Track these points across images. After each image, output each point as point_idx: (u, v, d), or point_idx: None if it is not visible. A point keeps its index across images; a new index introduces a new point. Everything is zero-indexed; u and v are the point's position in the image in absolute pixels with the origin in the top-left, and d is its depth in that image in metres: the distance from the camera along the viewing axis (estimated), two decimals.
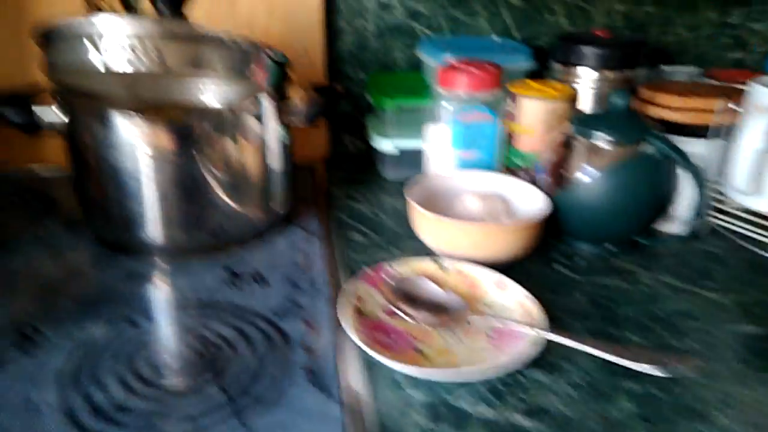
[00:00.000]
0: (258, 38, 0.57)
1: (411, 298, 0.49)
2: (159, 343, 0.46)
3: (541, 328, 0.44)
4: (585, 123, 0.58)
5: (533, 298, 0.48)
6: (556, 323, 0.47)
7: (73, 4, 0.71)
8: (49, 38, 0.53)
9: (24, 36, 0.72)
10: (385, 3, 0.79)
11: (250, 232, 0.60)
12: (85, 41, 0.52)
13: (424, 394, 0.41)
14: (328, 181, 0.76)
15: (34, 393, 0.40)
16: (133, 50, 0.51)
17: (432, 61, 0.73)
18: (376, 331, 0.46)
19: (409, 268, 0.52)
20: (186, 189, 0.56)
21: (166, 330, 0.48)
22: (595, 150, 0.56)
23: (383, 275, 0.51)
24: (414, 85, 0.76)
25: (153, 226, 0.56)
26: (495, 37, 0.82)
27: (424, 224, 0.56)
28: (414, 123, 0.71)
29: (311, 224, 0.65)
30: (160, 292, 0.53)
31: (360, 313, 0.47)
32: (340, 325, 0.45)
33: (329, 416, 0.39)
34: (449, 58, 0.68)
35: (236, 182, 0.58)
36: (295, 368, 0.43)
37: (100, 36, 0.51)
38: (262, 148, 0.59)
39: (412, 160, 0.73)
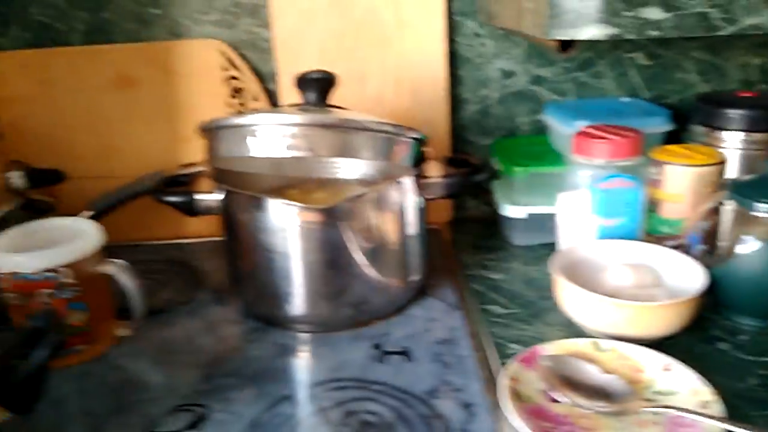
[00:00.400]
0: (388, 114, 0.59)
1: (571, 382, 0.47)
2: (319, 420, 0.47)
3: (724, 420, 0.41)
4: (741, 191, 0.55)
5: (707, 383, 0.45)
6: (733, 413, 0.43)
7: (214, 107, 0.77)
8: (212, 131, 0.58)
9: (176, 128, 0.78)
10: (509, 71, 0.80)
11: (391, 305, 0.61)
12: (244, 132, 0.56)
13: None
14: (454, 247, 0.76)
15: None
16: (286, 138, 0.55)
17: (560, 126, 0.72)
18: (539, 418, 0.44)
19: (563, 349, 0.50)
20: (331, 265, 0.58)
21: (323, 407, 0.49)
22: (755, 219, 0.53)
23: (538, 357, 0.49)
24: (540, 149, 0.76)
25: (300, 301, 0.58)
26: (624, 99, 0.80)
27: (571, 298, 0.54)
28: (544, 188, 0.71)
29: (447, 295, 0.65)
30: (311, 368, 0.54)
31: (518, 397, 0.46)
32: (499, 409, 0.44)
33: None
34: (582, 125, 0.67)
35: (378, 256, 0.59)
36: None
37: (257, 128, 0.55)
38: (401, 222, 0.60)
39: (542, 225, 0.71)
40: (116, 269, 0.56)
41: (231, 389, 0.51)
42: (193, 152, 0.79)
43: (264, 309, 0.61)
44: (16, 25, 0.78)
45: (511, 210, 0.73)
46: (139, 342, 0.58)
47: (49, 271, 0.52)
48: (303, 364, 0.55)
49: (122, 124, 0.79)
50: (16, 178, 0.67)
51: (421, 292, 0.65)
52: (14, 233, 0.56)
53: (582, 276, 0.57)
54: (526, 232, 0.74)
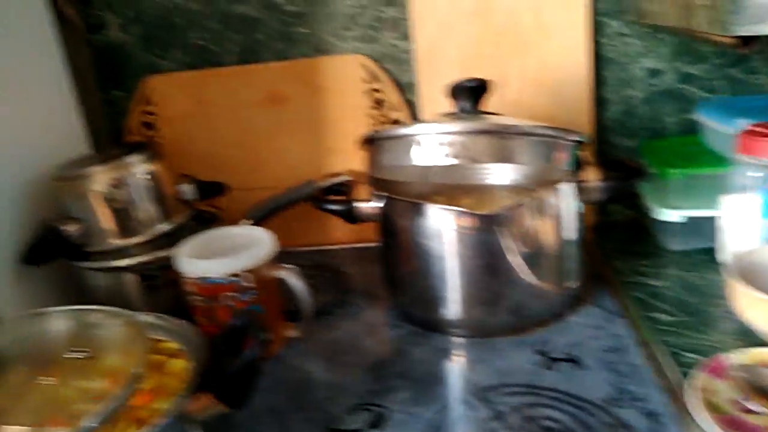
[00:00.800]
0: (528, 118, 0.59)
1: (765, 391, 0.45)
2: (499, 425, 0.47)
3: None
4: None
5: None
6: None
7: (356, 119, 0.81)
8: (374, 141, 0.60)
9: (320, 140, 0.82)
10: (655, 69, 0.77)
11: (549, 311, 0.61)
12: (403, 142, 0.57)
13: None
14: (603, 253, 0.74)
15: None
16: (448, 147, 0.56)
17: (718, 124, 0.69)
18: (735, 429, 0.42)
19: (752, 358, 0.48)
20: (489, 270, 0.58)
21: (500, 411, 0.49)
22: None
23: (725, 366, 0.47)
24: (693, 150, 0.73)
25: (458, 305, 0.59)
26: None
27: (751, 305, 0.52)
28: (700, 190, 0.68)
29: (605, 302, 0.63)
30: (478, 373, 0.55)
31: (712, 407, 0.44)
32: (686, 419, 0.43)
33: None
34: (744, 123, 0.63)
35: (536, 262, 0.59)
36: None
37: (416, 137, 0.57)
38: (560, 227, 0.59)
39: (699, 229, 0.68)
40: (289, 273, 0.59)
41: (402, 390, 0.53)
42: (337, 163, 0.83)
43: (421, 313, 0.62)
44: (176, 49, 0.85)
45: (666, 214, 0.70)
46: (308, 343, 0.61)
47: (233, 275, 0.57)
48: (469, 368, 0.56)
49: (271, 138, 0.84)
50: (187, 191, 0.73)
51: (577, 299, 0.64)
52: (196, 241, 0.61)
53: (759, 281, 0.54)
54: (682, 236, 0.71)
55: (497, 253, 0.57)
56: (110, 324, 0.43)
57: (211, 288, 0.57)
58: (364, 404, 0.52)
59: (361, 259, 0.80)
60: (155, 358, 0.44)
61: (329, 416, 0.51)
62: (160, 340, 0.47)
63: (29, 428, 0.35)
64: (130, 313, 0.44)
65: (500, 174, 0.57)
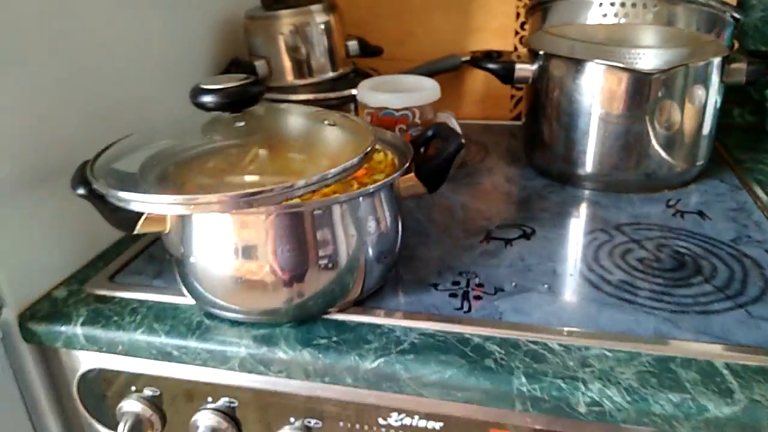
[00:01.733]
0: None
1: None
2: (638, 250, 0.56)
3: None
4: None
5: None
6: None
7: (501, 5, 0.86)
8: (540, 7, 0.67)
9: (467, 19, 0.89)
10: None
11: (677, 179, 0.68)
12: (575, 4, 0.64)
13: None
14: (724, 147, 0.79)
15: (552, 264, 0.53)
16: (617, 7, 0.62)
17: None
18: None
19: None
20: (629, 135, 0.65)
21: (639, 241, 0.57)
22: None
23: None
24: None
25: (595, 162, 0.67)
26: None
27: None
28: None
29: (729, 178, 0.70)
30: (613, 214, 0.63)
31: None
32: None
33: None
34: None
35: (673, 135, 0.65)
36: None
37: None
38: (702, 105, 0.65)
39: None
40: (450, 117, 0.68)
41: (546, 219, 0.62)
42: (481, 41, 0.90)
43: (559, 167, 0.70)
44: None
45: None
46: (456, 184, 0.71)
47: (407, 109, 0.66)
48: (604, 210, 0.64)
49: (422, 13, 0.91)
50: (353, 47, 0.82)
51: (701, 175, 0.70)
52: (376, 80, 0.71)
53: None
54: None
55: (640, 117, 0.64)
56: (338, 117, 0.53)
57: (387, 119, 0.67)
58: (515, 225, 0.61)
59: (487, 132, 0.89)
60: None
61: (486, 228, 0.61)
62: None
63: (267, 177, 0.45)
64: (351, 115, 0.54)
65: (642, 59, 0.63)
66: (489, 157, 0.80)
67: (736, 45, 0.67)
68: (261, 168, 0.46)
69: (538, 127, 0.72)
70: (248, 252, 0.45)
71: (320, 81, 0.79)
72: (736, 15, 0.62)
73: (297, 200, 0.44)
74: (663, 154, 0.66)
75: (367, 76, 0.84)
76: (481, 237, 0.59)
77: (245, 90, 0.47)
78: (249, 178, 0.45)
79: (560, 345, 0.44)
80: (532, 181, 0.72)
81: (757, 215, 0.61)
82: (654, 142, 0.65)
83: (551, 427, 0.43)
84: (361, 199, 0.47)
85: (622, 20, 0.61)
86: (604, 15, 0.62)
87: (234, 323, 0.48)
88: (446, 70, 0.87)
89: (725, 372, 0.41)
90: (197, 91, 0.47)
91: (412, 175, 0.51)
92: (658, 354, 0.42)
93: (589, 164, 0.67)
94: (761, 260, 0.53)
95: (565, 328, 0.45)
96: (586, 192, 0.68)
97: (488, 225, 0.61)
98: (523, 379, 0.41)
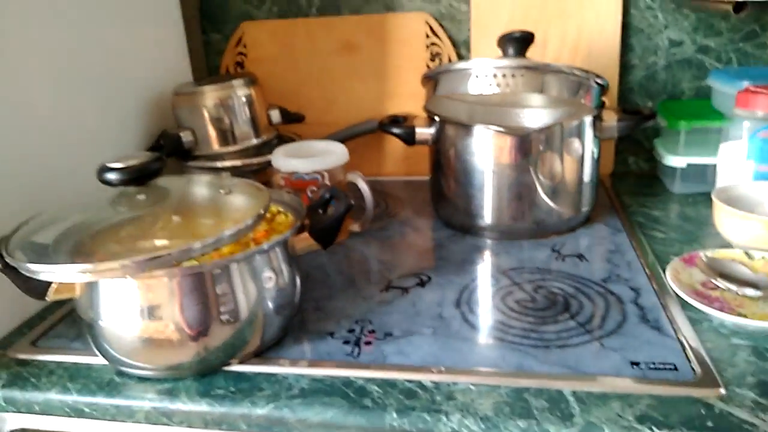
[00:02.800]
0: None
1: (725, 275, 0.58)
2: (517, 292, 0.62)
3: None
4: None
5: None
6: None
7: (416, 69, 0.95)
8: (435, 76, 0.75)
9: (385, 86, 0.97)
10: (677, 40, 0.90)
11: (564, 225, 0.75)
12: (459, 77, 0.72)
13: (746, 340, 0.51)
14: (616, 193, 0.87)
15: (439, 309, 0.59)
16: (495, 78, 0.70)
17: (724, 86, 0.81)
18: (697, 295, 0.56)
19: (719, 255, 0.61)
20: (518, 187, 0.72)
21: (520, 284, 0.64)
22: None
23: (697, 257, 0.61)
24: (702, 110, 0.85)
25: (490, 214, 0.74)
26: None
27: (729, 222, 0.65)
28: (704, 143, 0.81)
29: (612, 222, 0.77)
30: (503, 259, 0.69)
31: (682, 284, 0.58)
32: (663, 293, 0.57)
33: (667, 345, 0.51)
34: (747, 84, 0.76)
35: (557, 185, 0.73)
36: (631, 316, 0.56)
37: (470, 72, 0.71)
38: (579, 158, 0.73)
39: (701, 175, 0.82)
40: (357, 176, 0.75)
41: (443, 267, 0.68)
42: (397, 105, 0.98)
43: (461, 219, 0.77)
44: (270, 0, 1.00)
45: (673, 160, 0.83)
46: (367, 237, 0.77)
47: (316, 172, 0.72)
48: (497, 257, 0.70)
49: (344, 81, 0.99)
50: (274, 115, 0.89)
51: (588, 220, 0.78)
52: (288, 147, 0.77)
53: (738, 206, 0.67)
54: (685, 181, 0.84)
55: (526, 174, 0.71)
56: (237, 183, 0.59)
57: (298, 183, 0.73)
58: (414, 274, 0.67)
59: (408, 188, 0.96)
60: (272, 211, 0.60)
61: (387, 279, 0.66)
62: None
63: (167, 242, 0.50)
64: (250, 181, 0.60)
65: (525, 118, 0.71)
66: (404, 211, 0.86)
67: (610, 103, 0.76)
68: (169, 233, 0.51)
69: (440, 184, 0.79)
70: (153, 312, 0.50)
71: (244, 148, 0.86)
72: (599, 81, 0.70)
73: (195, 262, 0.49)
74: (550, 203, 0.73)
75: (289, 141, 0.91)
76: (381, 287, 0.65)
77: (146, 167, 0.53)
78: (158, 242, 0.50)
79: (432, 382, 0.49)
80: (438, 232, 0.79)
81: (631, 255, 0.68)
82: (541, 192, 0.72)
83: None
84: (256, 256, 0.52)
85: (497, 89, 0.69)
86: (489, 84, 0.70)
87: (141, 379, 0.52)
88: (365, 133, 0.94)
89: (571, 399, 0.46)
90: (103, 169, 0.52)
91: (305, 234, 0.57)
92: (515, 386, 0.48)
93: (485, 216, 0.74)
94: (624, 296, 0.59)
95: (440, 367, 0.51)
96: (486, 240, 0.75)
97: (390, 275, 0.67)
98: (394, 415, 0.46)
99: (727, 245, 0.66)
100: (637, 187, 0.89)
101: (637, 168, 0.96)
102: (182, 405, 0.49)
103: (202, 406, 0.49)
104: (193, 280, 0.49)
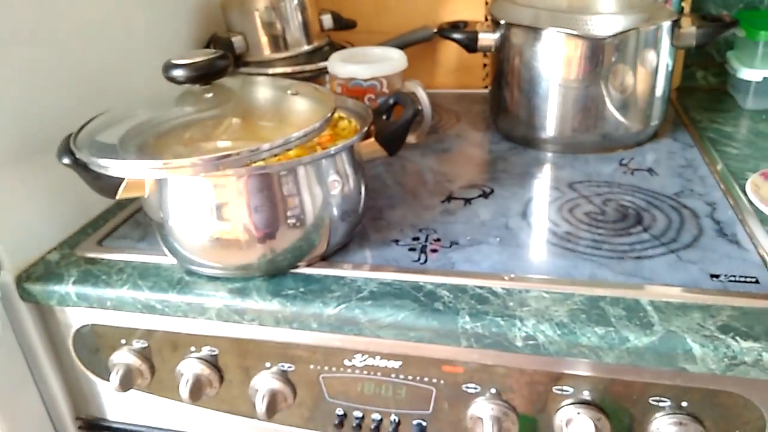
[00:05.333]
0: None
1: None
2: (585, 204, 0.60)
3: None
4: None
5: None
6: None
7: None
8: None
9: None
10: None
11: (632, 139, 0.72)
12: None
13: None
14: (684, 108, 0.83)
15: (504, 219, 0.58)
16: None
17: None
18: None
19: None
20: (586, 98, 0.69)
21: (588, 197, 0.62)
22: None
23: None
24: None
25: (554, 126, 0.71)
26: None
27: None
28: None
29: (682, 137, 0.74)
30: (568, 173, 0.67)
31: (761, 197, 0.55)
32: (740, 208, 0.55)
33: (747, 259, 0.49)
34: None
35: (627, 97, 0.69)
36: (708, 230, 0.54)
37: None
38: (653, 68, 0.69)
39: None
40: (417, 85, 0.72)
41: (505, 179, 0.66)
42: (452, 13, 0.93)
43: (522, 131, 0.74)
44: None
45: (748, 73, 0.78)
46: (423, 149, 0.75)
47: (375, 79, 0.70)
48: (560, 170, 0.68)
49: None
50: (327, 21, 0.85)
51: (656, 135, 0.74)
52: (346, 52, 0.74)
53: None
54: (758, 96, 0.79)
55: (597, 79, 0.68)
56: (302, 85, 0.57)
57: (356, 89, 0.71)
58: (475, 185, 0.66)
59: (461, 100, 0.92)
60: (334, 117, 0.58)
61: (448, 190, 0.65)
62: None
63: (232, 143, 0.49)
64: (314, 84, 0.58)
65: (594, 26, 0.66)
66: (459, 123, 0.84)
67: (687, 9, 0.70)
68: (232, 135, 0.50)
69: (502, 94, 0.75)
70: (222, 212, 0.49)
71: (296, 54, 0.83)
72: None
73: (262, 163, 0.48)
74: (618, 115, 0.70)
75: (342, 48, 0.87)
76: (443, 197, 0.63)
77: (212, 63, 0.51)
78: (222, 144, 0.49)
79: (503, 289, 0.48)
80: (497, 144, 0.76)
81: (703, 170, 0.65)
82: (609, 104, 0.69)
83: (498, 362, 0.48)
84: (323, 161, 0.51)
85: None
86: None
87: (211, 278, 0.53)
88: (419, 42, 0.90)
89: (649, 308, 0.45)
90: (169, 66, 0.51)
91: (372, 140, 0.55)
92: (590, 294, 0.47)
93: (549, 128, 0.71)
94: (699, 211, 0.57)
95: (510, 274, 0.50)
96: (547, 154, 0.72)
97: (451, 186, 0.66)
98: (467, 318, 0.46)
99: None
100: (706, 102, 0.84)
101: (706, 83, 0.91)
102: (254, 303, 0.50)
103: (273, 305, 0.49)
104: (261, 181, 0.49)
